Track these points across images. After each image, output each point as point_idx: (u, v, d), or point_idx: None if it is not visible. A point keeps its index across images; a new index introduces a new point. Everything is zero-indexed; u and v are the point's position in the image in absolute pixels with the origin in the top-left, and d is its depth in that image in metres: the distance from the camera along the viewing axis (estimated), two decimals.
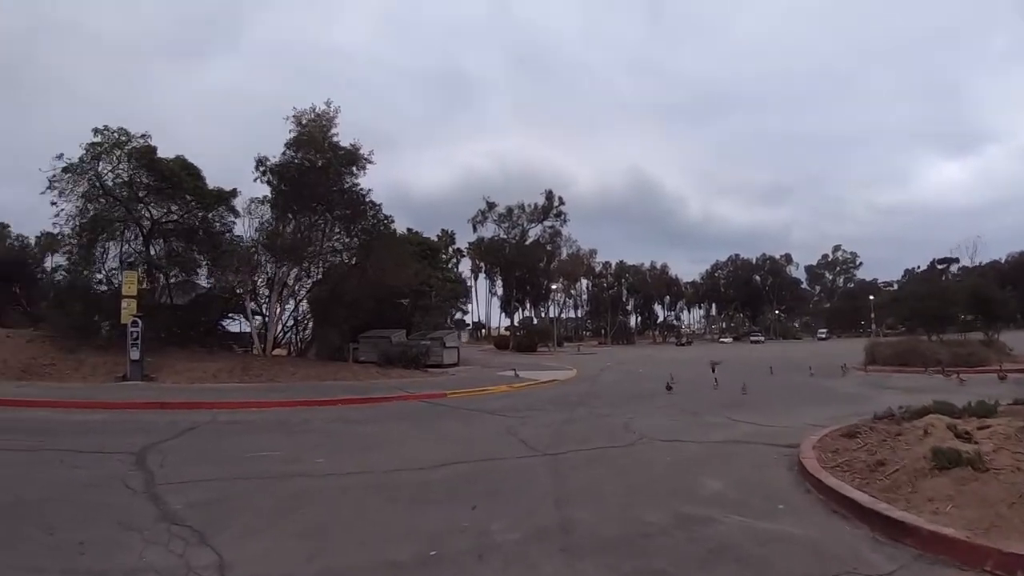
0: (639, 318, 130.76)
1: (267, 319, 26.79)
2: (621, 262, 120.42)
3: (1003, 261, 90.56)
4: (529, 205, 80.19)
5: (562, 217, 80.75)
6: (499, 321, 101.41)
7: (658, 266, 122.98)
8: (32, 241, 55.64)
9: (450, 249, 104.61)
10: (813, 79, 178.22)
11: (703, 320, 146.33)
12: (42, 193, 23.02)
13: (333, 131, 25.68)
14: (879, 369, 25.00)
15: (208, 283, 27.34)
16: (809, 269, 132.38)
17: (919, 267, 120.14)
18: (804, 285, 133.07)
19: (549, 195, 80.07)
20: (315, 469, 8.23)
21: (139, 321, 19.39)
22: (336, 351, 29.27)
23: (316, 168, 24.98)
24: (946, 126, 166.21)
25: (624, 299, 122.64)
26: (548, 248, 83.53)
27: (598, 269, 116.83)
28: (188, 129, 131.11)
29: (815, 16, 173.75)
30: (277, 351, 27.93)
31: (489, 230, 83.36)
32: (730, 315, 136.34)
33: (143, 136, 24.53)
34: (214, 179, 26.99)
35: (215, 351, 25.07)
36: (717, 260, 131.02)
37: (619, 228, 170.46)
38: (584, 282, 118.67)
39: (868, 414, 9.60)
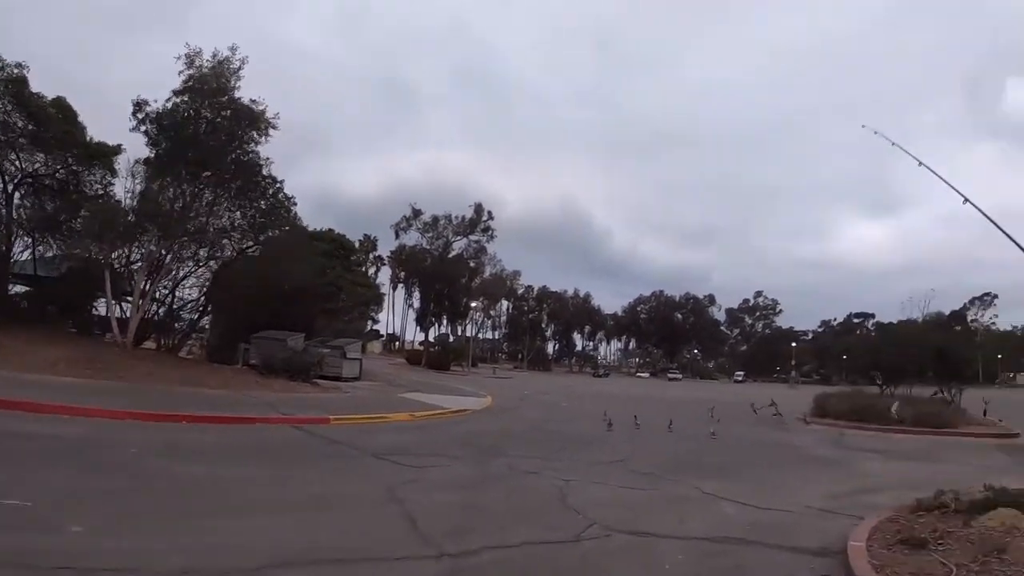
0: (557, 345, 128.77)
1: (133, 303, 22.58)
2: (544, 287, 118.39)
3: (920, 320, 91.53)
4: (457, 217, 75.75)
5: (489, 232, 76.82)
6: (414, 335, 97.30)
7: (581, 295, 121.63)
8: None
9: (371, 255, 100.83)
10: (748, 128, 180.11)
11: (619, 353, 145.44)
12: None
13: (235, 83, 21.45)
14: (831, 423, 22.51)
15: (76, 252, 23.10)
16: (730, 312, 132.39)
17: (836, 319, 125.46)
18: (723, 327, 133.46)
19: (478, 208, 76.00)
20: (53, 552, 4.80)
21: None
22: (220, 351, 25.43)
23: (206, 122, 20.82)
24: (870, 189, 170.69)
25: (544, 325, 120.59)
26: (472, 264, 79.79)
27: (520, 292, 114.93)
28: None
29: (759, 67, 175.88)
30: (147, 344, 23.86)
31: (412, 239, 78.67)
32: (648, 350, 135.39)
33: (18, 65, 20.78)
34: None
35: (70, 336, 21.06)
36: (640, 294, 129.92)
37: (545, 254, 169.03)
38: (505, 304, 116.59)
39: (875, 490, 8.73)
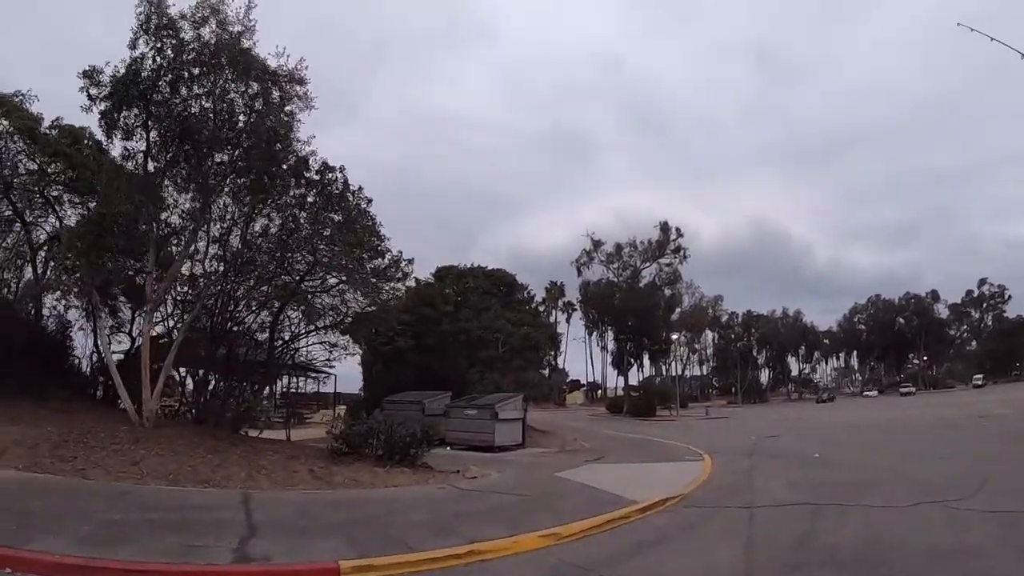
0: (771, 372, 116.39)
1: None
2: (749, 311, 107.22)
3: None
4: (642, 242, 66.93)
5: (681, 253, 67.02)
6: (615, 381, 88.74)
7: (790, 314, 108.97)
8: None
9: (560, 302, 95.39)
10: (926, 112, 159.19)
11: (835, 372, 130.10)
12: None
13: (252, 40, 14.30)
14: None
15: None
16: (954, 308, 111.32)
17: None
18: (948, 327, 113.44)
19: (664, 227, 65.66)
20: None
21: None
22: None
23: (194, 80, 13.76)
24: None
25: (754, 352, 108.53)
26: (666, 292, 70.06)
27: (724, 319, 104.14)
28: None
29: (925, 44, 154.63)
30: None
31: (596, 273, 69.93)
32: (871, 365, 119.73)
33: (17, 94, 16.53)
34: None
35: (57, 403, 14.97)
36: (856, 303, 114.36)
37: (743, 280, 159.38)
38: (709, 334, 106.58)
39: None
